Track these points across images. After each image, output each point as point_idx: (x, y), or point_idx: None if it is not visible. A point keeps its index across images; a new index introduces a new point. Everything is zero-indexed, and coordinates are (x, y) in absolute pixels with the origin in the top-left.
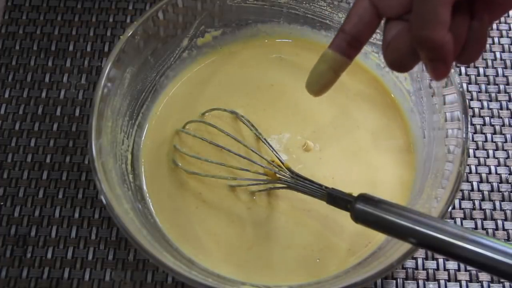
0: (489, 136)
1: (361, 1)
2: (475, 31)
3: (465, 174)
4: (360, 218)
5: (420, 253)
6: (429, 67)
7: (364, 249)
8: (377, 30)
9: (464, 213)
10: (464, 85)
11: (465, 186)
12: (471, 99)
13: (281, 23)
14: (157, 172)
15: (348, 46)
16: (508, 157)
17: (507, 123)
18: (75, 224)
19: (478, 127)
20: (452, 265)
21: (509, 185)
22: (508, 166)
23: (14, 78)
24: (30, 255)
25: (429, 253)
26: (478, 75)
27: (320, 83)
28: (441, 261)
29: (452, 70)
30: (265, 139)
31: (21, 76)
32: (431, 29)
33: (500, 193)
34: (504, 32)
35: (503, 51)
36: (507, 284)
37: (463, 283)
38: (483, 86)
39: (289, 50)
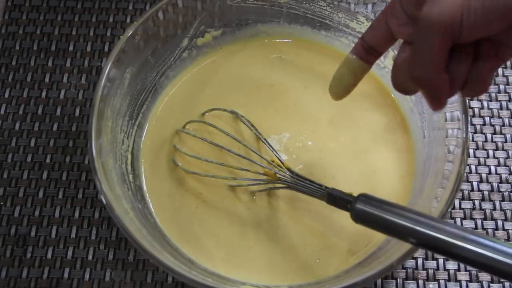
0: (489, 136)
1: (380, 18)
2: (477, 72)
3: (465, 174)
4: (360, 218)
5: (420, 253)
6: (425, 99)
7: (364, 249)
8: None
9: (464, 213)
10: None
11: (465, 186)
12: (471, 99)
13: (281, 23)
14: (157, 172)
15: (367, 53)
16: (508, 157)
17: (507, 123)
18: (75, 224)
19: (478, 127)
20: (452, 265)
21: (509, 185)
22: (508, 166)
23: (14, 78)
24: (30, 255)
25: (429, 253)
26: None
27: (341, 86)
28: (441, 261)
29: None
30: (265, 139)
31: (21, 76)
32: (424, 71)
33: (500, 193)
34: None
35: None
36: (507, 284)
37: (463, 283)
38: None
39: (289, 50)
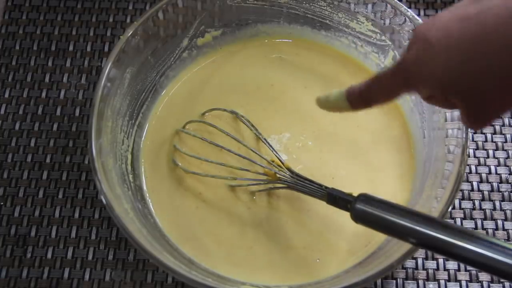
0: (489, 136)
1: (396, 85)
2: None
3: (465, 174)
4: (360, 218)
5: (420, 253)
6: None
7: (364, 249)
8: (376, 30)
9: (464, 213)
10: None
11: (465, 186)
12: None
13: (281, 23)
14: (157, 172)
15: (363, 106)
16: (508, 157)
17: (507, 123)
18: (75, 224)
19: None
20: (452, 265)
21: (509, 185)
22: (508, 166)
23: (14, 78)
24: (30, 255)
25: (429, 253)
26: None
27: (327, 109)
28: (441, 261)
29: None
30: (265, 139)
31: (21, 76)
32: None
33: (500, 193)
34: None
35: None
36: (507, 284)
37: (463, 283)
38: None
39: (289, 50)
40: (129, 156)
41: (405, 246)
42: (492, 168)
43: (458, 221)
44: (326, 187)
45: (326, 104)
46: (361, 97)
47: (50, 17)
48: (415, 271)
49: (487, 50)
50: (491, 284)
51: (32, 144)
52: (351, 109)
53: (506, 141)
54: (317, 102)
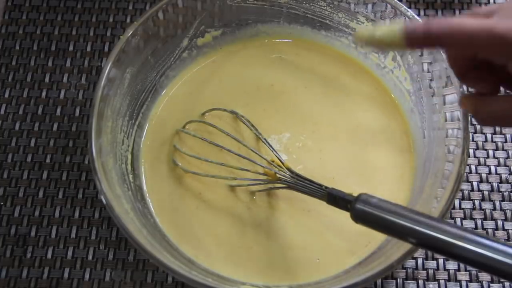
0: (489, 136)
1: (485, 47)
2: None
3: (465, 174)
4: (360, 218)
5: (420, 253)
6: None
7: (364, 249)
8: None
9: (464, 213)
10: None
11: (465, 186)
12: None
13: (281, 23)
14: (157, 172)
15: (425, 48)
16: (508, 157)
17: None
18: (75, 224)
19: (478, 127)
20: (452, 265)
21: (509, 185)
22: (508, 166)
23: (14, 78)
24: (30, 255)
25: (429, 253)
26: None
27: (370, 45)
28: (441, 261)
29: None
30: (265, 139)
31: (21, 76)
32: None
33: (500, 193)
34: None
35: None
36: (507, 284)
37: (463, 283)
38: None
39: (289, 50)
40: (129, 156)
41: (405, 246)
42: (492, 168)
43: (458, 221)
44: (326, 187)
45: (372, 39)
46: (429, 40)
47: (50, 17)
48: (415, 271)
49: None
50: (491, 284)
51: (32, 144)
52: (405, 48)
53: (506, 141)
54: (359, 36)
